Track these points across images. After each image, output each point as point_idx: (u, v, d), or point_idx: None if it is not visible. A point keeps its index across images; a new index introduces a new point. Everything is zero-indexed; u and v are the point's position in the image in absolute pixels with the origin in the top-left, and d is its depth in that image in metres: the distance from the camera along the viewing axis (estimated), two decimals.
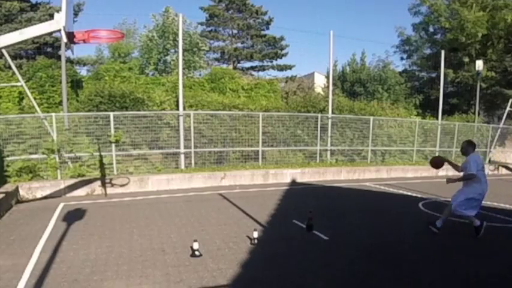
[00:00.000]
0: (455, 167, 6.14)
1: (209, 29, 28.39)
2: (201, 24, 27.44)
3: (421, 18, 23.04)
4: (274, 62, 29.34)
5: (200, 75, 18.51)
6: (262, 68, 29.56)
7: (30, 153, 9.48)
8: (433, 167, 6.51)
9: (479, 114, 18.49)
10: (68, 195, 8.91)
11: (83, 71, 22.04)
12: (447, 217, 5.94)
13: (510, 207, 8.22)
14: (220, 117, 11.71)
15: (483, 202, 5.86)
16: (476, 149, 6.03)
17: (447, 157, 9.80)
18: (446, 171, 14.60)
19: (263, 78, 23.99)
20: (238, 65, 28.85)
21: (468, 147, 5.88)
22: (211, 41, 27.57)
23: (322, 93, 19.08)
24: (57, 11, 6.88)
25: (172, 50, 17.84)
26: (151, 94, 12.01)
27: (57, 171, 9.58)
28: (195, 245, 4.72)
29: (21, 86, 9.54)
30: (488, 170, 15.65)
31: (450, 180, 5.78)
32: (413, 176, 13.65)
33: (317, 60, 65.02)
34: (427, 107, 20.67)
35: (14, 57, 14.65)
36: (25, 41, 7.92)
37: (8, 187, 8.22)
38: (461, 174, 5.88)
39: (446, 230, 6.35)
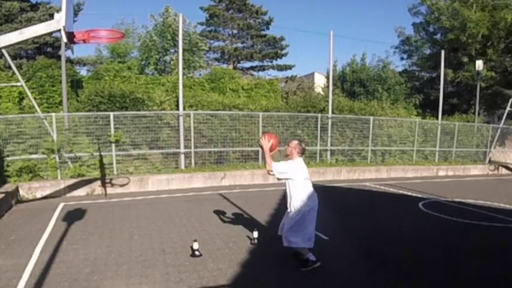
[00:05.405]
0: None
1: (209, 29, 28.35)
2: (201, 24, 27.45)
3: (420, 18, 23.12)
4: (274, 62, 29.33)
5: (200, 75, 18.50)
6: (262, 68, 29.54)
7: (30, 153, 9.47)
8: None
9: (479, 114, 18.49)
10: (68, 195, 8.90)
11: (83, 71, 22.03)
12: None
13: (510, 207, 8.22)
14: (220, 117, 11.71)
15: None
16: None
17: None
18: (447, 171, 14.70)
19: (263, 78, 23.96)
20: (238, 65, 28.83)
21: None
22: (211, 41, 27.53)
23: (322, 93, 19.08)
24: (57, 11, 6.87)
25: (172, 50, 17.82)
26: (151, 94, 12.00)
27: (57, 171, 9.58)
28: (195, 245, 4.72)
29: (21, 86, 9.54)
30: (488, 170, 15.71)
31: None
32: (413, 176, 13.64)
33: (317, 60, 64.97)
34: (427, 107, 20.69)
35: (14, 57, 14.67)
36: (25, 41, 7.91)
37: (8, 187, 8.21)
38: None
39: (446, 230, 6.37)
